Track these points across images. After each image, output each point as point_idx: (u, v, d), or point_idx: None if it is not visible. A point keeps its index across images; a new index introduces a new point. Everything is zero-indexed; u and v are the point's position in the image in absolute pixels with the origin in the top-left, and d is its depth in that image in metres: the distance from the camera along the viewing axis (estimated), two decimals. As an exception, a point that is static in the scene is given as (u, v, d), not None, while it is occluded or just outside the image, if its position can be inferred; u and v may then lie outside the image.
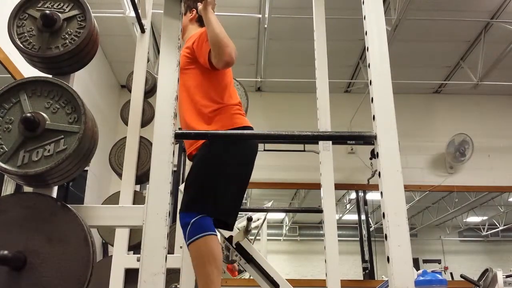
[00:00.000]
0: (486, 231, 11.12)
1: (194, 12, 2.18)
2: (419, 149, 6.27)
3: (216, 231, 1.82)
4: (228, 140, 1.89)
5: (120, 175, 3.08)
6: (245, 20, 5.09)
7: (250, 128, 1.98)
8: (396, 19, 4.55)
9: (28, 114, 1.46)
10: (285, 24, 5.14)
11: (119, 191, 2.86)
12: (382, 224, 1.22)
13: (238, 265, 3.59)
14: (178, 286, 2.51)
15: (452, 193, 7.21)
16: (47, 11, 1.62)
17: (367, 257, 6.04)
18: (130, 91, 3.05)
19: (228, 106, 1.97)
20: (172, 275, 2.57)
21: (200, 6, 1.92)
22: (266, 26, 4.99)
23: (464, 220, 10.84)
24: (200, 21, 2.16)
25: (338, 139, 1.73)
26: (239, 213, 2.01)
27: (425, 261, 9.92)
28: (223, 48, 1.81)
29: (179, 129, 1.40)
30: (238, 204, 1.91)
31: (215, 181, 1.84)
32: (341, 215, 10.28)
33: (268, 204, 6.41)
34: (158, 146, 1.30)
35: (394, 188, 1.23)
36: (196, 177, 1.87)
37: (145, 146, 3.07)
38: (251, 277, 2.66)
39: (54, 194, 1.56)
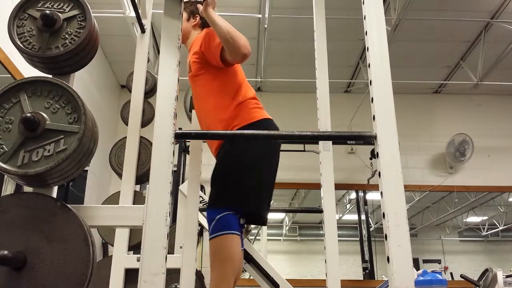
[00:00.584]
0: (486, 231, 11.12)
1: (198, 18, 2.17)
2: (419, 149, 6.26)
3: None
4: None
5: (120, 175, 3.07)
6: (245, 20, 5.08)
7: (268, 120, 1.99)
8: (396, 19, 4.54)
9: (28, 114, 1.46)
10: (285, 24, 5.13)
11: (119, 191, 2.85)
12: (382, 224, 1.21)
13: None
14: (178, 286, 2.51)
15: (452, 193, 7.21)
16: (47, 11, 1.62)
17: (367, 257, 6.04)
18: (130, 91, 3.04)
19: (245, 101, 1.98)
20: (172, 275, 2.57)
21: (200, 8, 1.92)
22: (266, 26, 4.98)
23: (464, 220, 10.84)
24: (203, 27, 2.14)
25: (338, 139, 1.73)
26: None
27: (425, 261, 9.90)
28: (237, 42, 1.81)
29: (179, 129, 1.39)
30: (262, 198, 1.89)
31: (235, 178, 1.85)
32: (341, 215, 10.28)
33: (268, 204, 6.39)
34: (158, 146, 1.30)
35: (394, 188, 1.23)
36: (219, 175, 1.88)
37: (145, 146, 3.06)
38: (251, 277, 2.65)
39: (54, 194, 1.56)
